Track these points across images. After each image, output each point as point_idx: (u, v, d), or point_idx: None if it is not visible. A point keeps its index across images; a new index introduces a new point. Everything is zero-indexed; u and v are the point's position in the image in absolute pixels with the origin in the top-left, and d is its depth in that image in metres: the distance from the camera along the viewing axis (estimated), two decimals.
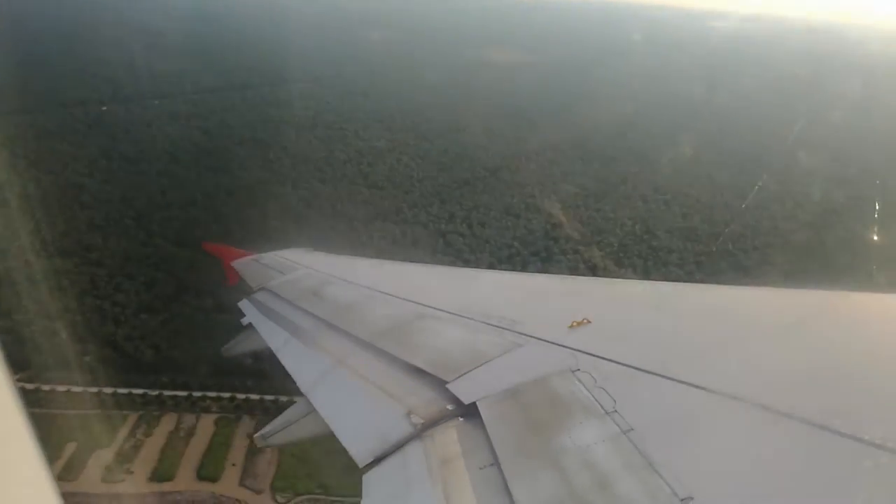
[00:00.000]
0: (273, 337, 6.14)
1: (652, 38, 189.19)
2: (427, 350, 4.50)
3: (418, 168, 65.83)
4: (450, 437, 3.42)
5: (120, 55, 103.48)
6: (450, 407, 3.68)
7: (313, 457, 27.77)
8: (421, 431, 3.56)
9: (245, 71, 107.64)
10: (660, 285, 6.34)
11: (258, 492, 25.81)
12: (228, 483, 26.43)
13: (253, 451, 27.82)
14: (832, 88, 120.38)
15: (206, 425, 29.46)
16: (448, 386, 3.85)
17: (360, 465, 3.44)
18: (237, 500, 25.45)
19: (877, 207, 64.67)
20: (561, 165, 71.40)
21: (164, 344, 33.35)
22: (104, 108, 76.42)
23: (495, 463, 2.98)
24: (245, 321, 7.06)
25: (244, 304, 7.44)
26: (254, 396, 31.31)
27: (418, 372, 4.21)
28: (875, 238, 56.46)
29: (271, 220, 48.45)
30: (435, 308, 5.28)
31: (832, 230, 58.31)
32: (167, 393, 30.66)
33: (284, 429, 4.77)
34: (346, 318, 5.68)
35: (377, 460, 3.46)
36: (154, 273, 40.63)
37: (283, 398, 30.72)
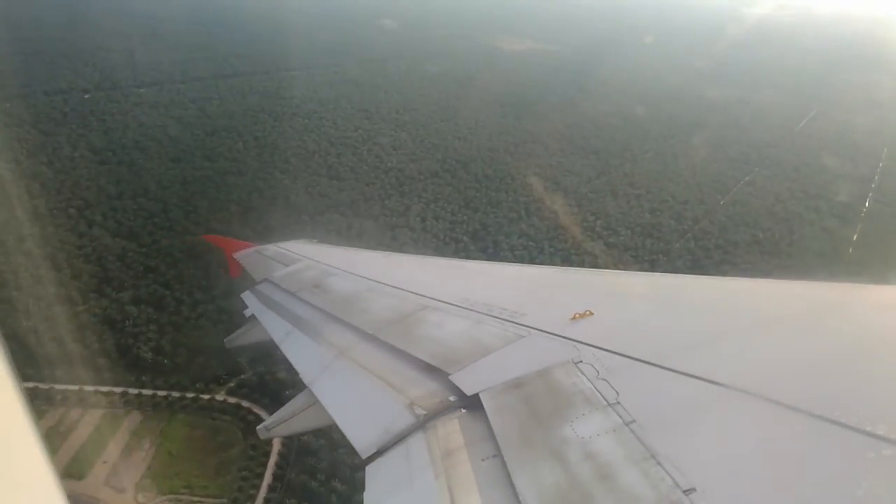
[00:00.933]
0: (276, 328, 6.17)
1: (672, 27, 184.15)
2: (429, 342, 4.51)
3: (388, 159, 64.77)
4: (452, 428, 3.43)
5: (112, 43, 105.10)
6: (452, 398, 3.70)
7: (189, 454, 27.37)
8: (423, 423, 3.57)
9: (237, 59, 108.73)
10: (662, 277, 6.30)
11: (121, 491, 25.24)
12: (94, 481, 25.79)
13: (130, 448, 27.43)
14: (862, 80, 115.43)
15: (91, 420, 28.91)
16: (451, 377, 3.87)
17: (363, 457, 3.47)
18: (96, 499, 24.96)
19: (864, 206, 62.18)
20: (539, 158, 69.63)
21: (68, 337, 33.17)
22: (87, 97, 76.82)
23: (498, 454, 2.99)
24: (248, 313, 7.13)
25: (247, 296, 7.48)
26: (146, 392, 30.84)
27: (421, 364, 4.23)
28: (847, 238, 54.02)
29: (217, 212, 48.26)
30: (437, 300, 5.29)
31: (810, 227, 56.09)
32: (58, 387, 30.21)
33: (287, 420, 4.77)
34: (349, 310, 5.70)
35: (380, 452, 3.48)
36: (82, 265, 40.39)
37: (175, 394, 30.91)
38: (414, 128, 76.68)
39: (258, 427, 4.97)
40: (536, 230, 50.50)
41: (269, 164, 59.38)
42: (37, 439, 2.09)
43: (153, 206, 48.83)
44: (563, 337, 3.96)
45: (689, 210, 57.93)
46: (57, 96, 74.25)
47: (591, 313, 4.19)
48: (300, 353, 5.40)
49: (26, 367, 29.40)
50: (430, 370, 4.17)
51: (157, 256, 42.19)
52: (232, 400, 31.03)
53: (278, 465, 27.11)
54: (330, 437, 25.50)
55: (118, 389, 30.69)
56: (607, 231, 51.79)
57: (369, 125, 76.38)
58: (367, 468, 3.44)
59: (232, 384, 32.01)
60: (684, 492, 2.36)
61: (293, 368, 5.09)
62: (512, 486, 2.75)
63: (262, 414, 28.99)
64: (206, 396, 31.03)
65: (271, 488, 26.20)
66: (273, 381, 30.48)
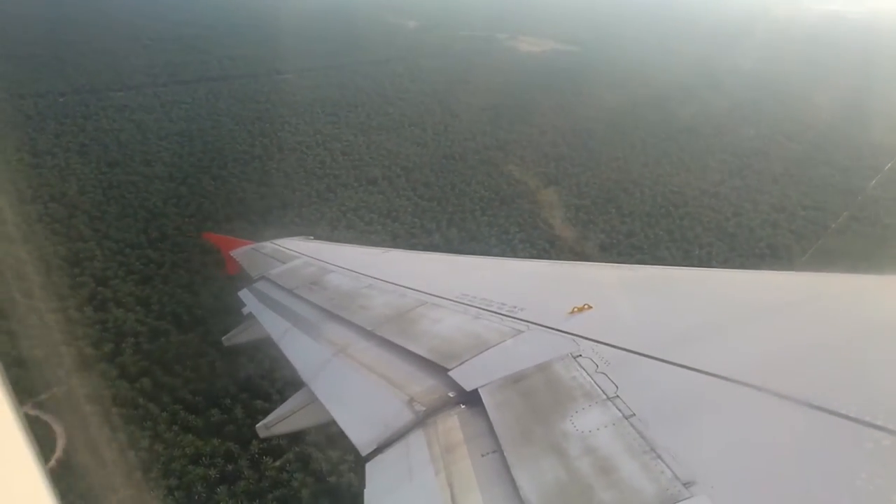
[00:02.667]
0: (274, 326, 6.19)
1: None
2: (428, 338, 4.49)
3: (332, 165, 63.60)
4: (452, 424, 3.43)
5: (103, 45, 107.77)
6: (451, 394, 3.71)
7: None
8: (423, 419, 3.58)
9: (229, 62, 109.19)
10: (661, 270, 5.80)
11: None
12: None
13: None
14: None
15: None
16: (450, 373, 3.88)
17: (363, 454, 3.47)
18: None
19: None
20: (496, 167, 67.18)
21: None
22: (62, 100, 78.65)
23: (498, 450, 3.01)
24: (245, 311, 7.14)
25: (244, 294, 7.51)
26: None
27: (420, 360, 4.24)
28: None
29: (123, 218, 48.11)
30: (435, 295, 5.29)
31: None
32: None
33: (286, 418, 4.77)
34: (347, 307, 5.69)
35: (379, 448, 3.48)
36: None
37: None
38: (377, 133, 75.32)
39: (258, 425, 4.89)
40: (448, 243, 48.39)
41: (202, 169, 59.11)
42: (25, 441, 2.05)
43: (60, 211, 48.98)
44: (562, 331, 3.93)
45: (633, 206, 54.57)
46: (28, 100, 76.06)
47: (590, 307, 4.15)
48: (298, 350, 5.36)
49: None
50: (429, 366, 4.14)
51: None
52: None
53: None
54: None
55: None
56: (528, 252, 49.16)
57: (331, 129, 75.51)
58: (367, 465, 3.41)
59: None
60: (684, 484, 2.36)
61: (292, 366, 5.05)
62: (512, 481, 2.74)
63: None
64: None
65: None
66: None
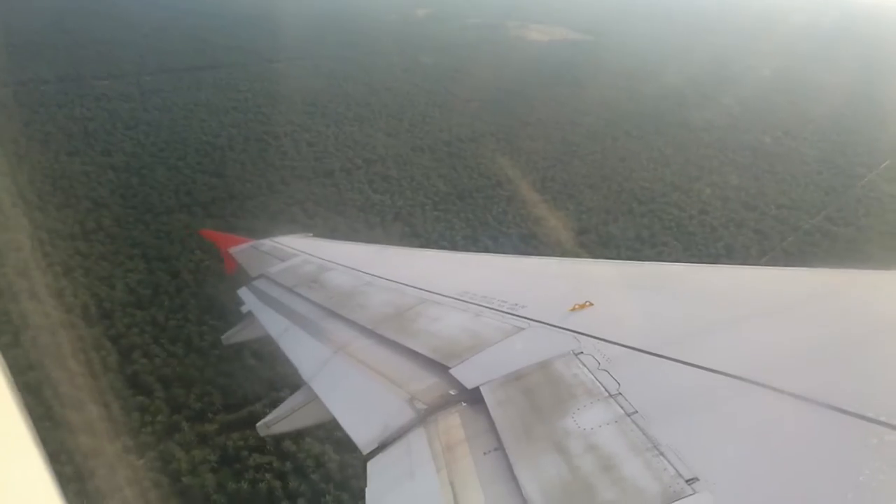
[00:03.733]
0: (273, 324, 6.20)
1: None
2: (429, 336, 4.52)
3: (291, 157, 62.58)
4: (453, 422, 3.44)
5: (94, 35, 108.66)
6: (453, 392, 3.72)
7: None
8: (424, 417, 3.58)
9: (221, 51, 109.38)
10: (662, 266, 5.86)
11: None
12: None
13: None
14: None
15: None
16: (451, 371, 3.89)
17: (364, 452, 3.48)
18: None
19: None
20: (463, 160, 65.87)
21: None
22: (42, 88, 79.21)
23: (499, 447, 3.01)
24: (245, 309, 7.15)
25: (243, 292, 7.52)
26: None
27: (420, 358, 4.25)
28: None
29: (76, 206, 47.96)
30: (436, 293, 5.28)
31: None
32: None
33: (287, 417, 4.78)
34: (347, 305, 5.69)
35: (381, 447, 3.49)
36: None
37: None
38: (350, 124, 74.22)
39: (258, 424, 4.90)
40: (388, 237, 47.22)
41: (160, 159, 58.76)
42: (34, 442, 2.06)
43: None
44: (563, 328, 3.92)
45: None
46: (11, 87, 76.47)
47: (591, 304, 4.15)
48: (298, 349, 5.34)
49: None
50: (430, 364, 4.13)
51: None
52: None
53: None
54: None
55: None
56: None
57: (304, 120, 74.48)
58: (369, 464, 3.40)
59: None
60: (687, 481, 2.35)
61: (292, 364, 5.03)
62: (514, 479, 2.74)
63: None
64: None
65: None
66: None
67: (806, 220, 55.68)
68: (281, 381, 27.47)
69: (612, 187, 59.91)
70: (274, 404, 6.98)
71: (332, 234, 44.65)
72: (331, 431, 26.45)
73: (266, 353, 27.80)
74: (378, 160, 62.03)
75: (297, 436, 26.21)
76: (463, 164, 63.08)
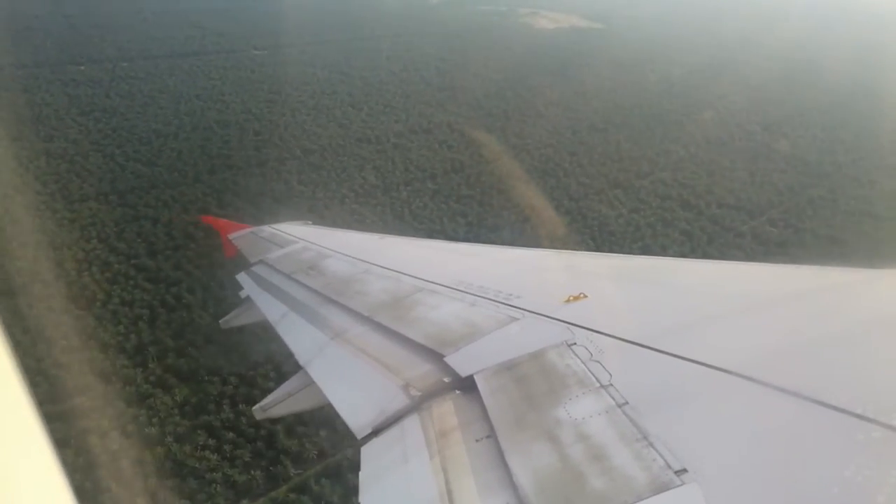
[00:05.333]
0: (271, 310, 6.41)
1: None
2: (424, 324, 4.68)
3: (248, 141, 63.01)
4: (447, 409, 3.55)
5: (90, 20, 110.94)
6: (447, 380, 3.86)
7: None
8: (418, 404, 3.72)
9: (213, 37, 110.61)
10: (656, 260, 6.32)
11: None
12: None
13: None
14: None
15: None
16: (445, 359, 4.03)
17: (358, 437, 3.62)
18: None
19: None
20: (434, 142, 65.48)
21: None
22: (18, 73, 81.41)
23: (492, 435, 3.10)
24: (243, 294, 7.48)
25: (242, 277, 7.84)
26: None
27: (416, 345, 4.42)
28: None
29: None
30: (433, 282, 5.43)
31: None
32: None
33: (283, 401, 5.00)
34: (344, 292, 5.89)
35: (375, 432, 3.62)
36: None
37: None
38: (307, 113, 73.76)
39: (254, 408, 5.12)
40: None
41: (99, 148, 59.72)
42: (45, 439, 2.08)
43: None
44: (557, 319, 3.99)
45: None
46: None
47: (585, 296, 4.23)
48: (296, 334, 5.48)
49: None
50: (425, 352, 4.25)
51: None
52: None
53: None
54: None
55: None
56: None
57: (261, 109, 74.48)
58: (363, 448, 3.50)
59: None
60: (676, 472, 2.40)
61: (289, 349, 5.17)
62: (506, 466, 2.79)
63: None
64: None
65: None
66: None
67: (745, 221, 53.22)
68: None
69: (547, 184, 58.32)
70: None
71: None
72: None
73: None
74: (317, 151, 61.82)
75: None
76: (404, 157, 62.37)
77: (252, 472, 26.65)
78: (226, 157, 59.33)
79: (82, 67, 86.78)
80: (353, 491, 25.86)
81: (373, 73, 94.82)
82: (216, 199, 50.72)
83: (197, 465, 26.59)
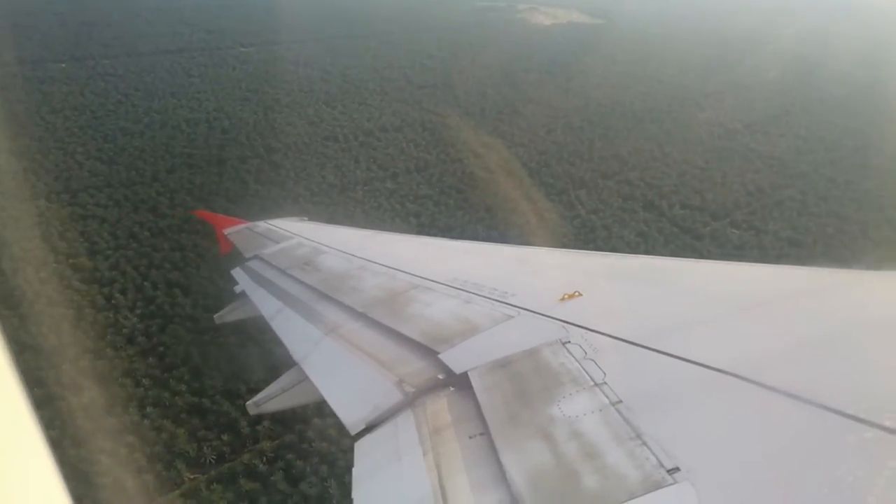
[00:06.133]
0: (266, 305, 6.45)
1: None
2: (419, 320, 4.69)
3: (206, 140, 62.81)
4: (441, 406, 3.57)
5: (82, 17, 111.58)
6: (441, 377, 3.87)
7: None
8: (412, 400, 3.73)
9: (202, 34, 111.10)
10: (652, 259, 6.12)
11: None
12: None
13: None
14: None
15: None
16: (440, 356, 4.05)
17: (352, 433, 3.64)
18: None
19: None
20: (393, 143, 64.95)
21: None
22: None
23: (485, 432, 3.11)
24: (238, 289, 7.48)
25: (237, 273, 7.82)
26: None
27: (410, 342, 4.44)
28: None
29: None
30: (428, 279, 5.45)
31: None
32: None
33: (277, 396, 5.03)
34: (340, 288, 5.90)
35: (368, 428, 3.65)
36: None
37: None
38: (274, 112, 72.59)
39: (248, 403, 5.19)
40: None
41: (62, 146, 59.74)
42: (40, 438, 2.08)
43: None
44: (552, 317, 4.00)
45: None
46: None
47: (580, 294, 4.23)
48: (290, 329, 5.49)
49: None
50: (420, 349, 4.26)
51: None
52: None
53: None
54: None
55: None
56: None
57: (231, 106, 74.19)
58: (356, 444, 3.50)
59: None
60: (668, 471, 2.40)
61: (283, 344, 5.18)
62: (499, 463, 2.79)
63: None
64: None
65: None
66: None
67: (707, 223, 52.09)
68: None
69: (511, 183, 57.44)
70: None
71: (180, 221, 44.69)
72: None
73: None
74: (281, 149, 61.44)
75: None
76: (368, 155, 61.91)
77: (143, 476, 26.14)
78: (187, 156, 59.07)
79: (63, 65, 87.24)
80: (242, 496, 25.72)
81: (355, 70, 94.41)
82: (168, 199, 50.47)
83: (88, 470, 26.18)
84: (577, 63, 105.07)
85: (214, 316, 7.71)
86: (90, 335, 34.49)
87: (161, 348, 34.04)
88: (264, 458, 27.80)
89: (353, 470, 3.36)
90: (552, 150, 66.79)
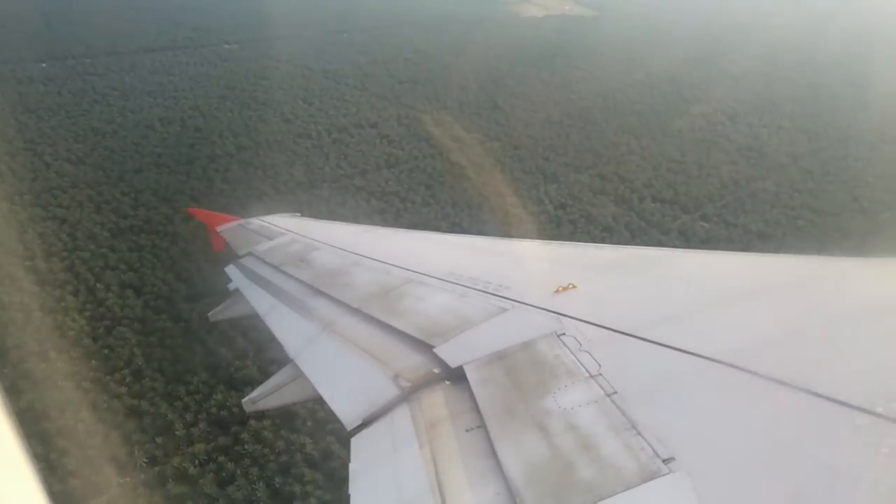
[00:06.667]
0: (260, 302, 6.39)
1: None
2: (414, 315, 4.66)
3: (168, 140, 62.63)
4: (437, 400, 3.56)
5: (72, 17, 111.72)
6: (437, 371, 3.85)
7: None
8: (408, 395, 3.71)
9: (188, 32, 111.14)
10: (646, 251, 6.15)
11: None
12: None
13: None
14: None
15: None
16: (435, 350, 4.02)
17: (349, 429, 3.61)
18: None
19: None
20: (365, 139, 64.42)
21: None
22: None
23: (481, 425, 3.11)
24: (232, 286, 7.38)
25: (230, 270, 7.73)
26: None
27: (405, 337, 4.40)
28: None
29: None
30: (422, 273, 5.43)
31: None
32: None
33: (272, 393, 4.93)
34: (334, 284, 5.86)
35: (365, 423, 3.62)
36: None
37: None
38: (242, 111, 71.89)
39: (243, 400, 5.02)
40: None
41: (31, 146, 59.54)
42: (14, 438, 2.08)
43: None
44: (547, 310, 3.99)
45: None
46: None
47: (574, 286, 4.21)
48: (285, 326, 5.45)
49: None
50: (415, 343, 4.22)
51: None
52: None
53: None
54: None
55: None
56: None
57: (209, 104, 74.16)
58: (353, 440, 3.48)
59: None
60: (664, 461, 2.42)
61: (278, 341, 5.14)
62: (495, 456, 2.80)
63: None
64: None
65: None
66: None
67: (676, 216, 51.47)
68: None
69: (481, 178, 56.95)
70: None
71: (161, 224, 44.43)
72: None
73: None
74: (253, 147, 61.24)
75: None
76: (340, 152, 61.58)
77: (70, 481, 25.95)
78: (157, 156, 58.89)
79: (44, 65, 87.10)
80: (170, 500, 25.46)
81: (338, 66, 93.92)
82: (133, 199, 50.32)
83: None
84: (563, 56, 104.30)
85: (209, 314, 7.57)
86: (35, 339, 34.28)
87: (105, 351, 33.73)
88: (196, 461, 27.46)
89: (350, 465, 3.30)
90: (527, 144, 66.15)
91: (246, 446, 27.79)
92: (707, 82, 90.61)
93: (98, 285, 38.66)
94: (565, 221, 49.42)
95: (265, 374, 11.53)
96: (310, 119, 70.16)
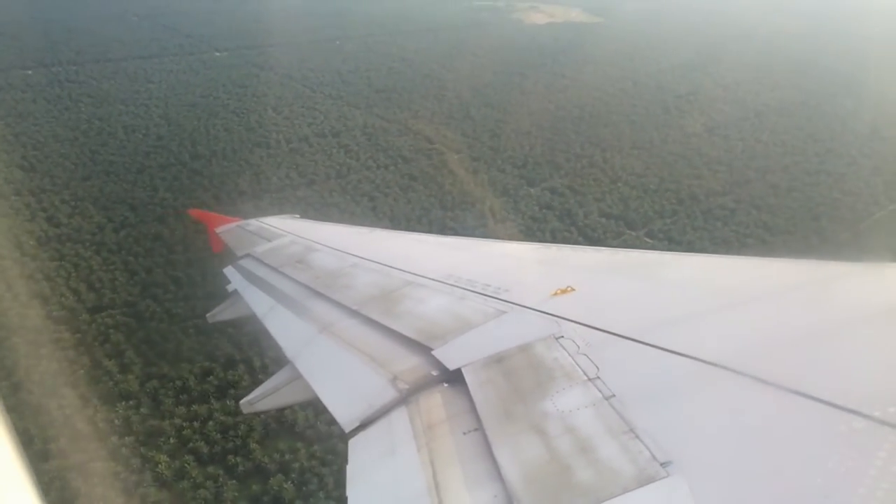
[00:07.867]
0: (258, 303, 6.46)
1: None
2: (412, 317, 4.73)
3: (139, 147, 62.82)
4: (435, 402, 3.59)
5: (69, 24, 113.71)
6: (435, 373, 3.90)
7: None
8: (406, 397, 3.76)
9: (180, 40, 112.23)
10: (644, 254, 6.16)
11: None
12: None
13: None
14: None
15: None
16: (433, 352, 4.08)
17: (346, 431, 3.66)
18: None
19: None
20: (335, 145, 63.99)
21: None
22: None
23: (479, 428, 3.16)
24: (230, 288, 7.44)
25: (229, 271, 7.81)
26: None
27: (404, 339, 4.47)
28: None
29: None
30: (421, 276, 5.50)
31: None
32: None
33: (270, 395, 5.00)
34: (332, 286, 5.93)
35: (363, 425, 3.66)
36: None
37: None
38: (218, 118, 72.20)
39: (241, 401, 5.05)
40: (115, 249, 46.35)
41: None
42: (8, 438, 2.13)
43: None
44: (545, 312, 4.01)
45: None
46: None
47: (573, 289, 4.26)
48: (283, 327, 5.50)
49: None
50: (413, 345, 4.26)
51: None
52: None
53: None
54: None
55: None
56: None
57: (181, 113, 74.32)
58: (350, 442, 3.50)
59: None
60: (661, 464, 2.43)
61: (276, 343, 5.20)
62: (493, 458, 2.82)
63: None
64: None
65: None
66: None
67: (621, 233, 50.08)
68: None
69: (430, 191, 56.03)
70: None
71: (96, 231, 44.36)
72: None
73: None
74: (212, 156, 61.22)
75: None
76: (292, 162, 61.13)
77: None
78: (108, 164, 59.13)
79: (29, 72, 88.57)
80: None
81: (319, 74, 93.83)
82: (70, 208, 50.45)
83: None
84: (552, 64, 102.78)
85: (207, 315, 7.50)
86: None
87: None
88: None
89: (348, 467, 3.27)
90: (487, 156, 64.95)
91: None
92: (695, 92, 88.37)
93: (6, 295, 38.35)
94: (502, 237, 47.94)
95: None
96: (273, 128, 69.89)
